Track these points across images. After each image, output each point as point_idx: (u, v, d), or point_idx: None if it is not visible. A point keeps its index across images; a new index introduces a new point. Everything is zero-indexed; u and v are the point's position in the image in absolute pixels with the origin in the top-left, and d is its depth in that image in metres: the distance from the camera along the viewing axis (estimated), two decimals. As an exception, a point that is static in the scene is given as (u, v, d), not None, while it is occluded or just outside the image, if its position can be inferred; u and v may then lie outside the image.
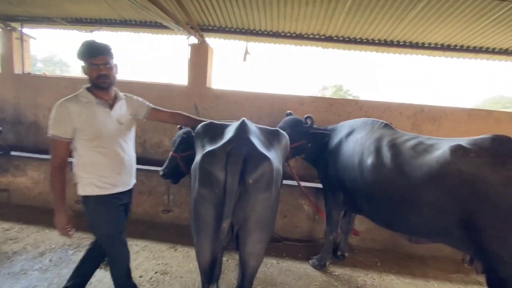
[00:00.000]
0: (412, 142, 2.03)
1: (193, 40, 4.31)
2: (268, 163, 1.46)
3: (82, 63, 1.69)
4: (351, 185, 2.38)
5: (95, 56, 1.63)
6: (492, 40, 3.62)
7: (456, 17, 3.14)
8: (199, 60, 4.30)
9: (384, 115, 4.10)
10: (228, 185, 1.40)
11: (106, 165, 1.76)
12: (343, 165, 2.49)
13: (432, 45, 3.93)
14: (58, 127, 1.63)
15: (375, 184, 2.09)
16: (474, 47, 3.88)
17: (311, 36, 4.03)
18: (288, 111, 3.45)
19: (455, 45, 3.88)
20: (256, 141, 1.58)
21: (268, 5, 3.36)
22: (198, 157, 1.65)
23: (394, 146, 2.08)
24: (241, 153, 1.44)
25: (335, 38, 4.00)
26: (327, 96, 4.47)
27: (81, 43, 1.66)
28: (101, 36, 4.71)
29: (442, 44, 3.91)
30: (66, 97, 1.70)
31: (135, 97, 2.04)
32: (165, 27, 4.19)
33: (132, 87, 4.40)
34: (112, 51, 1.71)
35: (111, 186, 1.79)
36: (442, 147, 1.85)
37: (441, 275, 2.95)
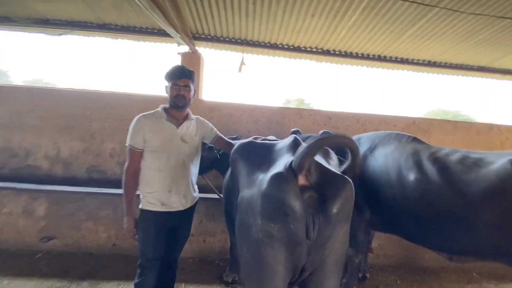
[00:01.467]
0: (456, 156, 1.97)
1: (183, 48, 3.96)
2: (350, 186, 1.21)
3: (166, 83, 1.92)
4: (386, 203, 2.24)
5: (179, 78, 1.85)
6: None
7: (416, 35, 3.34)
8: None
9: (380, 127, 4.16)
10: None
11: (159, 181, 1.84)
12: (373, 182, 2.35)
13: (418, 61, 4.16)
14: (132, 138, 1.84)
15: (421, 202, 1.97)
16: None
17: (308, 49, 3.98)
18: (295, 129, 3.20)
19: (412, 59, 4.06)
20: (323, 161, 1.34)
21: (272, 16, 3.22)
22: (256, 183, 1.31)
23: (438, 161, 1.99)
24: (324, 175, 1.18)
25: (332, 52, 4.00)
26: (324, 109, 4.46)
27: (171, 66, 1.91)
28: (71, 40, 4.10)
29: (403, 58, 4.09)
30: (144, 113, 1.93)
31: (207, 122, 2.14)
32: (150, 34, 3.81)
33: (110, 99, 3.86)
34: (194, 77, 1.93)
35: (159, 204, 1.84)
36: (495, 161, 1.80)
37: (457, 287, 2.94)
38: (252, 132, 4.04)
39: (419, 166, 2.06)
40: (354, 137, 2.95)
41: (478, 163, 1.85)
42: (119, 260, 3.04)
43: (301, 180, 1.20)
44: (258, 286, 1.23)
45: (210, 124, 2.11)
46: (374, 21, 3.17)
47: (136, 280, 1.89)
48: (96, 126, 3.89)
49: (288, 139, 1.51)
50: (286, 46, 3.92)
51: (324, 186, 1.19)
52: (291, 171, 1.20)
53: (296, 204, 1.13)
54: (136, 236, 1.87)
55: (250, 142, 1.64)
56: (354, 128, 4.14)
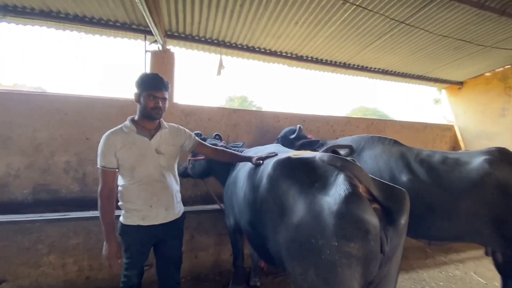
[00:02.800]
0: (436, 157, 2.32)
1: (154, 46, 3.56)
2: (408, 198, 1.31)
3: (137, 91, 1.75)
4: None
5: (158, 90, 1.72)
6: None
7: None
8: (162, 70, 3.57)
9: (346, 127, 4.58)
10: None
11: (138, 196, 1.75)
12: None
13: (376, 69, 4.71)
14: (104, 158, 1.68)
15: (413, 199, 2.24)
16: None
17: (284, 54, 4.06)
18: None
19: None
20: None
21: (256, 20, 3.19)
22: (321, 203, 1.28)
23: (424, 162, 2.32)
24: (382, 188, 1.24)
25: (305, 58, 4.18)
26: (299, 113, 4.63)
27: (144, 73, 1.82)
28: (2, 28, 3.23)
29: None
30: (112, 129, 1.74)
31: (184, 129, 1.99)
32: (112, 27, 3.30)
33: (61, 102, 3.21)
34: (169, 86, 1.81)
35: (140, 219, 1.76)
36: (472, 160, 2.18)
37: (421, 264, 3.49)
38: (232, 136, 3.94)
39: (409, 167, 2.37)
40: (339, 141, 3.18)
41: (457, 163, 2.23)
42: (95, 294, 2.58)
43: (366, 195, 1.25)
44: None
45: (187, 131, 1.99)
46: (348, 32, 3.45)
47: (121, 282, 1.83)
48: (42, 135, 3.18)
49: (326, 154, 1.52)
50: (263, 50, 3.92)
51: (385, 199, 1.26)
52: (356, 187, 1.23)
53: (374, 220, 1.17)
54: (120, 261, 1.76)
55: (289, 158, 1.59)
56: (325, 129, 4.45)
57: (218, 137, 2.72)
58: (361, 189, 1.25)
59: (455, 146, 5.32)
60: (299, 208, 1.36)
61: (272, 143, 4.11)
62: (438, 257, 3.70)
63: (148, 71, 3.59)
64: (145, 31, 3.44)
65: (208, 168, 2.64)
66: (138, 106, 1.79)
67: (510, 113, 4.44)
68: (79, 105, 3.31)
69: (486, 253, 2.37)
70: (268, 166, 1.66)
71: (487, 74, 4.78)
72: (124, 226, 1.78)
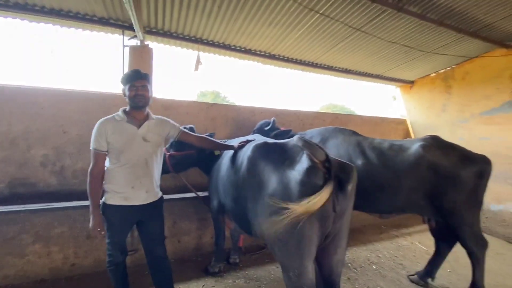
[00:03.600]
0: (385, 144, 2.80)
1: (131, 41, 3.66)
2: (355, 171, 1.69)
3: (122, 87, 2.02)
4: None
5: (136, 79, 1.96)
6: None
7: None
8: (140, 65, 3.66)
9: (314, 121, 5.03)
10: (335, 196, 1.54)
11: (123, 177, 1.95)
12: None
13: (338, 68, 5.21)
14: (96, 141, 1.92)
15: (366, 179, 2.69)
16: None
17: (258, 52, 4.36)
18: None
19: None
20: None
21: (232, 20, 3.44)
22: (288, 175, 1.61)
23: (375, 149, 2.78)
24: (335, 164, 1.60)
25: (277, 56, 4.52)
26: (273, 107, 4.98)
27: (125, 72, 2.09)
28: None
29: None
30: (105, 117, 1.99)
31: (169, 120, 2.21)
32: (89, 21, 3.35)
33: (38, 95, 3.21)
34: (150, 78, 2.07)
35: (123, 198, 1.96)
36: (411, 146, 2.67)
37: (376, 238, 4.06)
38: (210, 129, 4.17)
39: (363, 153, 2.82)
40: (307, 132, 3.58)
41: (401, 148, 2.72)
42: (82, 280, 2.71)
43: (322, 168, 1.61)
44: (299, 256, 1.57)
45: (172, 121, 2.20)
46: (315, 35, 3.84)
47: (107, 261, 2.06)
48: (18, 129, 3.16)
49: (296, 139, 1.87)
50: (238, 48, 4.18)
51: (337, 171, 1.63)
52: (314, 162, 1.59)
53: (330, 183, 1.53)
54: (103, 233, 1.98)
55: (266, 143, 1.91)
56: (296, 123, 4.85)
57: (191, 130, 2.90)
58: (318, 164, 1.60)
59: (407, 137, 6.06)
60: (273, 181, 1.69)
61: (248, 135, 4.43)
62: (391, 231, 4.31)
63: (126, 65, 3.68)
64: (123, 26, 3.53)
65: (192, 160, 2.84)
66: (126, 99, 2.01)
67: (449, 108, 5.21)
68: (56, 98, 3.32)
69: (423, 221, 2.92)
70: (248, 150, 1.96)
71: (432, 74, 5.53)
72: (106, 205, 1.97)
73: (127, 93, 1.97)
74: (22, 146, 3.19)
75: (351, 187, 1.64)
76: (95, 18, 3.36)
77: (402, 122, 6.09)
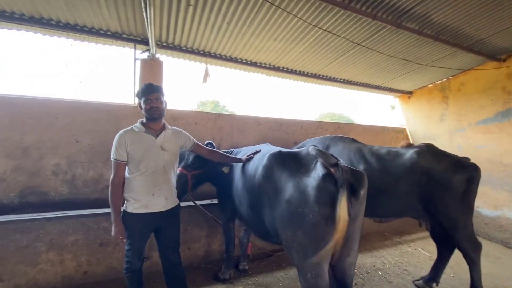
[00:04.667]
0: (383, 151, 2.92)
1: (143, 54, 3.80)
2: (366, 177, 1.80)
3: (138, 100, 2.15)
4: None
5: (150, 93, 2.08)
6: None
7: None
8: (151, 77, 3.81)
9: (317, 131, 5.17)
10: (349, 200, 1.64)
11: (143, 185, 2.04)
12: None
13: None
14: (117, 152, 2.01)
15: (368, 184, 2.78)
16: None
17: (263, 65, 4.52)
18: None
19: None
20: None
21: (240, 35, 3.62)
22: (305, 182, 1.71)
23: (374, 155, 2.90)
24: (348, 171, 1.71)
25: (281, 68, 4.69)
26: (277, 117, 5.16)
27: (141, 86, 2.20)
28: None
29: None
30: (124, 129, 2.11)
31: (184, 132, 2.35)
32: (103, 36, 3.49)
33: (51, 106, 3.30)
34: (164, 90, 2.18)
35: (143, 206, 2.04)
36: (406, 153, 2.81)
37: (381, 245, 4.13)
38: (217, 139, 4.28)
39: (364, 159, 2.94)
40: (309, 140, 3.70)
41: (397, 154, 2.85)
42: (94, 287, 2.74)
43: (335, 175, 1.72)
44: (317, 259, 1.66)
45: (187, 133, 2.34)
46: (318, 49, 4.03)
47: (125, 268, 2.10)
48: (31, 138, 3.24)
49: (309, 149, 1.99)
50: (244, 61, 4.34)
51: (350, 178, 1.73)
52: (329, 169, 1.70)
53: (342, 191, 1.63)
54: (124, 241, 2.04)
55: (280, 152, 2.02)
56: (299, 132, 4.99)
57: (211, 145, 2.88)
58: (332, 171, 1.71)
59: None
60: (289, 188, 1.79)
61: (253, 144, 4.54)
62: (394, 238, 4.39)
63: (138, 77, 3.81)
64: (135, 40, 3.68)
65: (206, 176, 2.89)
66: (143, 112, 2.15)
67: (447, 118, 5.40)
68: (69, 109, 3.42)
69: (420, 225, 3.02)
70: (263, 158, 2.07)
71: (430, 85, 5.74)
72: (127, 213, 2.05)
73: (142, 106, 2.11)
74: (35, 156, 3.27)
75: (363, 192, 1.74)
76: (109, 33, 3.51)
77: (401, 131, 6.26)
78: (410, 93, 6.17)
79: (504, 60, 4.49)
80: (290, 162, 1.91)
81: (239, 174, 2.50)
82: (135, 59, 3.79)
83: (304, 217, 1.68)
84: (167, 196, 2.16)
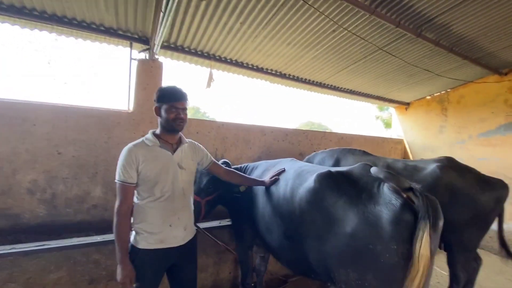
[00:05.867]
0: (399, 164, 2.72)
1: (139, 55, 3.36)
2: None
3: (157, 104, 1.69)
4: None
5: (178, 100, 1.67)
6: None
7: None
8: (149, 80, 3.38)
9: (322, 141, 4.95)
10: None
11: (158, 214, 1.64)
12: None
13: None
14: (125, 172, 1.57)
15: None
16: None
17: (269, 71, 4.24)
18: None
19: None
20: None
21: (252, 37, 3.31)
22: (374, 212, 1.40)
23: (389, 168, 2.68)
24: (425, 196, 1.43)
25: (287, 75, 4.43)
26: (283, 127, 4.86)
27: (163, 86, 1.73)
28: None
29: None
30: (134, 142, 1.66)
31: (201, 146, 1.97)
32: (94, 31, 3.02)
33: (28, 111, 2.77)
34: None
35: (158, 242, 1.63)
36: (426, 167, 2.61)
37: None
38: (220, 149, 3.89)
39: None
40: (318, 153, 3.44)
41: (415, 169, 2.65)
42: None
43: (411, 202, 1.43)
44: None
45: (205, 149, 1.99)
46: (330, 56, 3.82)
47: None
48: (2, 150, 2.67)
49: (360, 167, 1.69)
50: (251, 66, 4.03)
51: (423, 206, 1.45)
52: (404, 196, 1.41)
53: (425, 224, 1.34)
54: (135, 285, 1.63)
55: (330, 172, 1.69)
56: (304, 142, 4.73)
57: (226, 165, 2.41)
58: (408, 197, 1.42)
59: (405, 157, 6.19)
60: (351, 218, 1.47)
61: (258, 155, 4.20)
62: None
63: (133, 81, 3.35)
64: (131, 38, 3.24)
65: (220, 200, 2.47)
66: (159, 119, 1.72)
67: (447, 129, 5.42)
68: (51, 114, 2.89)
69: (439, 247, 2.83)
70: (309, 180, 1.73)
71: (428, 97, 5.77)
72: (137, 249, 1.63)
73: (163, 114, 1.66)
74: (6, 170, 2.69)
75: (442, 223, 1.46)
76: (102, 28, 3.05)
77: (400, 142, 6.23)
78: (407, 104, 6.18)
79: (506, 74, 4.57)
80: (346, 185, 1.59)
81: (264, 194, 2.14)
82: (131, 59, 3.34)
83: (377, 256, 1.36)
84: (186, 226, 1.76)
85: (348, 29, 3.02)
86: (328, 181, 1.63)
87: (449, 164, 2.61)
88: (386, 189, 1.45)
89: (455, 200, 2.40)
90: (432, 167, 2.58)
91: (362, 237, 1.40)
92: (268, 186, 2.10)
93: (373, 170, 1.61)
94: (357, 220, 1.44)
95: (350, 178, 1.63)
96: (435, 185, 2.45)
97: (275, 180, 2.08)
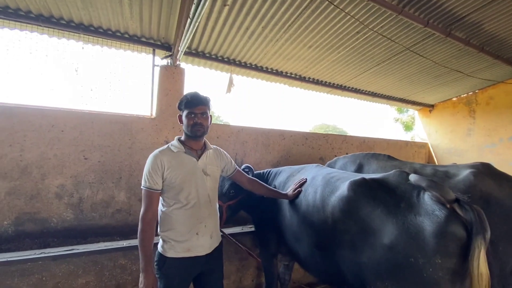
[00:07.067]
0: (428, 170, 2.54)
1: (161, 61, 3.41)
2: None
3: (180, 112, 1.72)
4: None
5: (196, 106, 1.66)
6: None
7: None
8: (172, 86, 3.41)
9: (343, 145, 4.82)
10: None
11: (185, 222, 1.61)
12: None
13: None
14: (150, 179, 1.57)
15: None
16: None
17: (288, 74, 4.18)
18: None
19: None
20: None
21: (273, 41, 3.28)
22: (413, 223, 1.31)
23: (418, 174, 2.51)
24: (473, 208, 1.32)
25: (307, 79, 4.36)
26: (303, 131, 4.80)
27: (184, 95, 1.73)
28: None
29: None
30: (159, 148, 1.66)
31: (225, 152, 1.95)
32: (118, 38, 3.09)
33: (56, 117, 2.84)
34: (211, 102, 1.74)
35: (185, 250, 1.60)
36: (459, 173, 2.43)
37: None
38: (240, 154, 3.86)
39: None
40: (339, 158, 3.30)
41: (446, 175, 2.45)
42: None
43: (458, 213, 1.33)
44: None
45: (229, 156, 1.96)
46: (353, 58, 3.72)
47: None
48: (31, 155, 2.75)
49: (396, 174, 1.60)
50: (270, 70, 4.00)
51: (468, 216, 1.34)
52: (448, 206, 1.30)
53: (481, 240, 1.23)
54: None
55: (364, 179, 1.61)
56: (325, 146, 4.62)
57: (248, 169, 2.44)
58: (452, 207, 1.32)
59: (429, 161, 5.93)
60: (389, 229, 1.38)
61: (277, 160, 4.14)
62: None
63: (155, 87, 3.39)
64: (155, 45, 3.29)
65: (241, 205, 2.41)
66: (183, 126, 1.71)
67: (475, 132, 5.15)
68: (78, 121, 2.96)
69: None
70: (342, 187, 1.66)
71: (454, 99, 5.52)
72: (164, 258, 1.60)
73: (184, 120, 1.69)
74: (35, 175, 2.77)
75: (489, 235, 1.35)
76: (126, 36, 3.11)
77: (423, 145, 5.98)
78: (431, 106, 5.94)
79: (540, 74, 4.30)
80: (382, 194, 1.50)
81: (291, 202, 2.07)
82: (153, 66, 3.38)
83: (419, 270, 1.27)
84: (213, 234, 1.72)
85: (374, 30, 2.92)
86: (362, 189, 1.55)
87: (484, 171, 2.42)
88: (427, 199, 1.35)
89: (490, 211, 2.22)
90: (465, 173, 2.41)
91: (402, 250, 1.31)
92: (291, 198, 2.04)
93: (413, 177, 1.51)
94: (396, 231, 1.35)
95: (387, 186, 1.54)
96: (469, 193, 2.28)
97: (298, 193, 2.02)
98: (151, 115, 3.38)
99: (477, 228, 1.20)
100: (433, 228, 1.27)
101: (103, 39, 3.08)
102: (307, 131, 4.54)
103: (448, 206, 1.31)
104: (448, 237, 1.24)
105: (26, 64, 3.06)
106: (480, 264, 1.17)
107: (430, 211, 1.31)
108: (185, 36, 2.51)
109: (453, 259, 1.23)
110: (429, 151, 5.95)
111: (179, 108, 1.72)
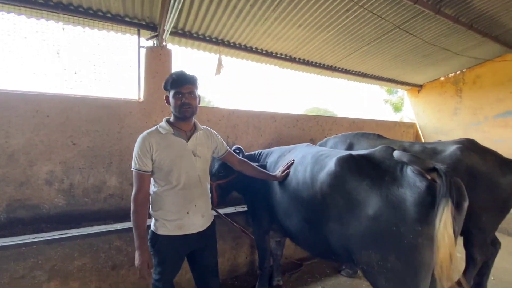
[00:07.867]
0: (417, 147, 2.63)
1: (147, 42, 3.30)
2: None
3: (167, 93, 1.69)
4: None
5: (182, 85, 1.62)
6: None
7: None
8: (159, 68, 3.33)
9: (333, 127, 4.87)
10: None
11: (175, 202, 1.64)
12: None
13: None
14: (139, 160, 1.59)
15: None
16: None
17: (278, 55, 4.13)
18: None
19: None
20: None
21: (262, 20, 3.20)
22: (398, 194, 1.38)
23: (406, 151, 2.59)
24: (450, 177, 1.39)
25: (297, 59, 4.31)
26: (294, 113, 4.79)
27: (169, 74, 1.69)
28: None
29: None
30: (147, 130, 1.66)
31: (216, 133, 1.93)
32: (100, 17, 2.96)
33: (42, 102, 2.76)
34: (198, 81, 1.70)
35: (177, 228, 1.64)
36: (446, 149, 2.53)
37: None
38: (231, 137, 3.87)
39: None
40: (330, 139, 3.37)
41: (434, 151, 2.55)
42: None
43: (435, 184, 1.39)
44: (418, 283, 1.35)
45: (220, 137, 1.94)
46: (343, 37, 3.69)
47: None
48: (17, 142, 2.69)
49: (382, 150, 1.65)
50: (260, 51, 3.93)
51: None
52: (428, 177, 1.37)
53: (445, 201, 1.29)
54: (152, 270, 1.66)
55: (351, 155, 1.65)
56: (315, 128, 4.66)
57: (239, 150, 2.44)
58: (432, 178, 1.38)
59: (417, 140, 6.08)
60: (374, 201, 1.45)
61: (269, 142, 4.17)
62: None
63: (142, 68, 3.30)
64: (139, 25, 3.17)
65: (233, 185, 2.43)
66: (170, 107, 1.68)
67: (461, 111, 5.27)
68: (64, 105, 2.88)
69: None
70: (329, 163, 1.70)
71: (442, 78, 5.59)
72: (157, 236, 1.64)
73: (171, 101, 1.65)
74: (23, 162, 2.72)
75: (466, 204, 1.43)
76: (109, 15, 2.98)
77: (412, 125, 6.11)
78: (420, 86, 6.00)
79: (526, 52, 4.37)
80: (368, 168, 1.56)
81: (282, 181, 2.12)
82: (139, 47, 3.27)
83: (400, 238, 1.35)
84: (204, 213, 1.75)
85: (364, 7, 2.87)
86: (349, 164, 1.60)
87: (469, 146, 2.52)
88: (409, 172, 1.42)
89: (475, 183, 2.34)
90: (452, 149, 2.50)
91: (385, 219, 1.39)
92: (280, 180, 2.08)
93: (396, 153, 1.56)
94: (380, 202, 1.42)
95: (372, 161, 1.60)
96: (455, 167, 2.38)
97: (287, 175, 2.06)
98: (139, 98, 3.32)
99: (444, 191, 1.27)
100: (414, 198, 1.34)
101: (84, 19, 2.95)
102: (299, 113, 4.54)
103: (429, 177, 1.37)
104: (427, 205, 1.31)
105: (4, 47, 2.89)
106: (443, 224, 1.24)
107: (411, 183, 1.37)
108: (171, 14, 2.42)
109: (432, 226, 1.31)
110: (417, 131, 6.09)
111: (165, 89, 1.68)
